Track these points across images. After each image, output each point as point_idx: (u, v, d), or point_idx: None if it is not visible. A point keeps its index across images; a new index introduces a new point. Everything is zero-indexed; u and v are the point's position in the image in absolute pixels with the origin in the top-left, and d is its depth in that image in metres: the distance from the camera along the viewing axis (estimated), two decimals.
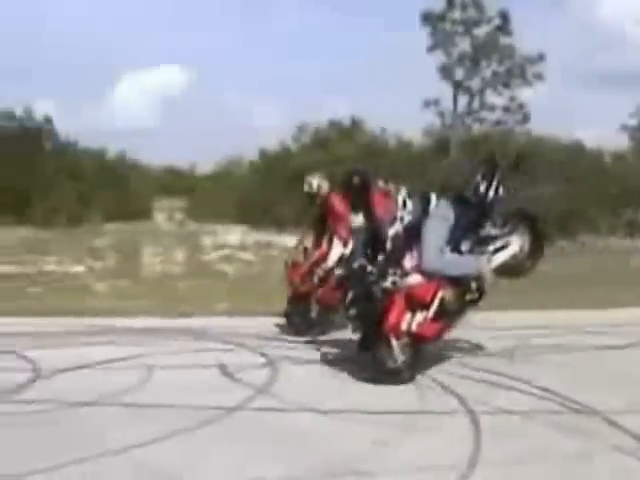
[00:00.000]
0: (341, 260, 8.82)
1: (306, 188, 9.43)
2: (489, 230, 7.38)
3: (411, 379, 6.88)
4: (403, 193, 7.30)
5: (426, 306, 6.91)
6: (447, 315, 7.07)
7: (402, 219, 7.18)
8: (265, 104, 63.19)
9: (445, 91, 32.28)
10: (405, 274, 6.98)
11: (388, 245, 7.17)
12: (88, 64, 58.78)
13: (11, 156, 30.36)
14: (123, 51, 60.76)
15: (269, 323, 9.71)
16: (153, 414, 5.92)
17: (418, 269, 6.98)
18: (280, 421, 5.82)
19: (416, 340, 6.97)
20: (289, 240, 21.97)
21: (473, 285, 7.15)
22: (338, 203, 9.02)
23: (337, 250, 9.03)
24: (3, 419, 5.77)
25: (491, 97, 32.40)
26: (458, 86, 32.19)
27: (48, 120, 34.43)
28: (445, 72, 32.15)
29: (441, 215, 7.10)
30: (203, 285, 14.62)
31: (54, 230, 25.38)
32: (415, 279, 6.97)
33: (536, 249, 7.57)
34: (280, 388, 6.71)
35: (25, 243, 20.80)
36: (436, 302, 6.93)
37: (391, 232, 7.18)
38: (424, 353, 7.20)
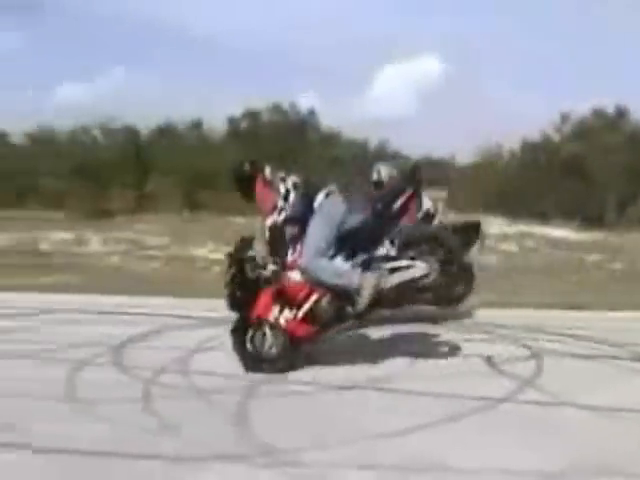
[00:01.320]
0: None
1: (374, 177, 8.85)
2: (388, 249, 6.94)
3: (287, 370, 6.61)
4: (288, 184, 6.74)
5: (296, 305, 6.64)
6: (320, 320, 6.68)
7: (282, 210, 6.68)
8: (525, 92, 61.34)
9: None
10: (288, 267, 6.67)
11: (266, 235, 6.80)
12: (348, 57, 60.31)
13: (277, 148, 31.71)
14: (381, 42, 61.59)
15: (529, 315, 9.40)
16: (416, 402, 5.87)
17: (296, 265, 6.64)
18: (545, 414, 5.59)
19: (287, 335, 6.69)
20: (553, 231, 21.39)
21: (357, 298, 6.54)
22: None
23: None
24: (268, 398, 6.02)
25: None
26: None
27: (312, 113, 35.72)
28: None
29: (327, 213, 6.57)
30: None
31: None
32: (294, 275, 6.65)
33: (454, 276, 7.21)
34: (546, 381, 6.46)
35: None
36: (308, 304, 6.63)
37: (268, 222, 6.75)
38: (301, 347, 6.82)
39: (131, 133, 28.95)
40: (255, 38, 65.53)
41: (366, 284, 6.48)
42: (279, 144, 31.48)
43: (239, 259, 7.01)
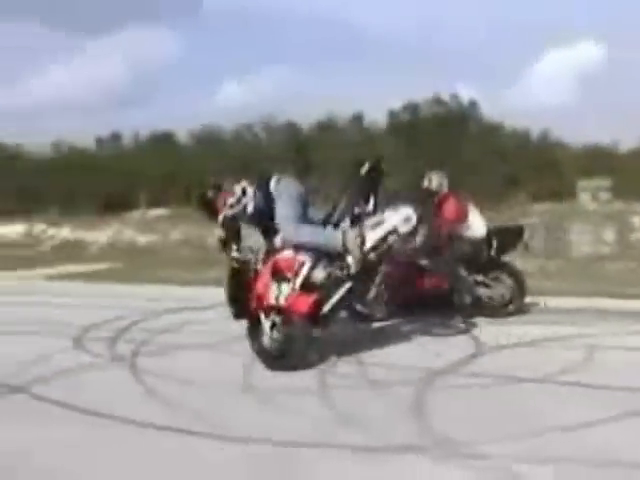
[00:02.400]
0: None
1: (425, 184, 9.05)
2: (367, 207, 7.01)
3: (295, 366, 6.58)
4: (243, 183, 7.14)
5: (292, 276, 6.77)
6: (318, 288, 6.78)
7: (232, 206, 7.10)
8: None
9: None
10: (277, 251, 6.94)
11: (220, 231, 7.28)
12: (506, 47, 59.02)
13: (437, 140, 31.41)
14: (539, 28, 59.82)
15: None
16: (598, 395, 5.69)
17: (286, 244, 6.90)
18: None
19: (289, 315, 6.69)
20: None
21: (349, 259, 6.74)
22: (454, 208, 8.84)
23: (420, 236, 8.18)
24: (446, 390, 5.95)
25: None
26: None
27: (473, 103, 35.20)
28: None
29: (284, 192, 6.96)
30: (633, 267, 13.86)
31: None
32: (285, 253, 6.88)
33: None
34: None
35: None
36: (303, 272, 6.76)
37: (219, 218, 7.16)
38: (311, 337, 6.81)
39: (293, 129, 29.55)
40: (410, 29, 65.24)
41: (349, 238, 6.75)
42: (440, 136, 31.16)
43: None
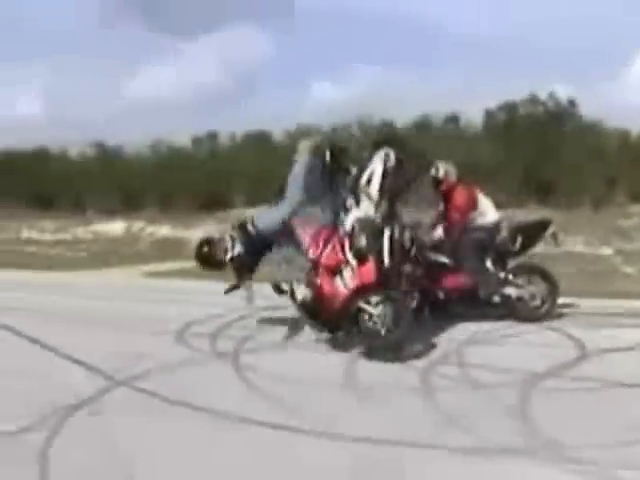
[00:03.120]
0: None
1: (433, 172, 8.99)
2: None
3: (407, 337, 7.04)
4: (230, 232, 8.21)
5: (340, 263, 7.28)
6: (366, 253, 7.20)
7: (227, 251, 8.05)
8: None
9: None
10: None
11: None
12: (604, 44, 57.51)
13: (534, 141, 30.80)
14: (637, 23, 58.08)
15: None
16: None
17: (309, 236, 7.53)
18: None
19: (362, 292, 7.08)
20: None
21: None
22: (463, 196, 8.77)
23: (438, 232, 8.82)
24: (550, 393, 5.84)
25: None
26: None
27: (572, 102, 34.38)
28: None
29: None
30: None
31: (577, 212, 25.22)
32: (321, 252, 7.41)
33: None
34: None
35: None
36: (345, 249, 7.31)
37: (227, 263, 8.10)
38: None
39: (388, 129, 29.46)
40: (506, 29, 64.23)
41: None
42: (537, 136, 30.54)
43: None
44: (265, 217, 8.15)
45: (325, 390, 6.02)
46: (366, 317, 7.08)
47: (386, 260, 7.27)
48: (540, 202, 27.53)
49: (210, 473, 4.42)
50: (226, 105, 55.46)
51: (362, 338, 7.08)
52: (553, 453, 4.57)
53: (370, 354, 6.95)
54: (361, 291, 7.16)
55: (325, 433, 4.96)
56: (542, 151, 29.98)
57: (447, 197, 8.95)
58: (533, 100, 34.41)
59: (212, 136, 34.16)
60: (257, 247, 8.06)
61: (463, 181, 9.02)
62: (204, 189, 25.67)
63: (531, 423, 5.09)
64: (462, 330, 8.15)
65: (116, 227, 21.87)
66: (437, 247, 8.74)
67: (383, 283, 7.17)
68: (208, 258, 8.31)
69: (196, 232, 19.57)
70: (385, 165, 7.74)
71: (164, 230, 20.71)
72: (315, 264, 7.46)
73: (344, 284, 7.29)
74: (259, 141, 31.54)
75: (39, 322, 8.64)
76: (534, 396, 5.69)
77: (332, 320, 7.35)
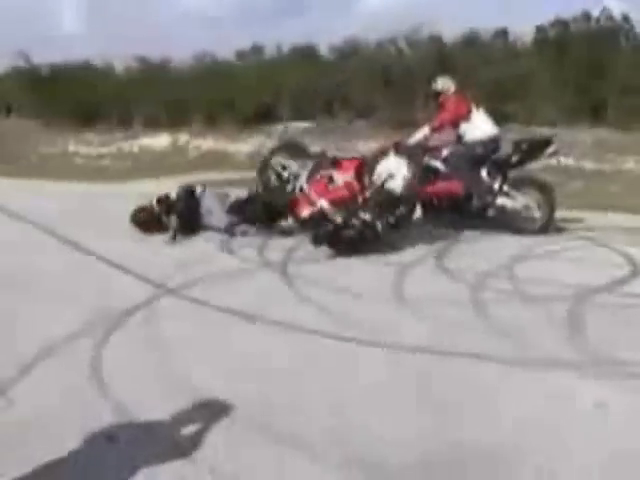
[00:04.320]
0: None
1: (433, 86, 9.26)
2: None
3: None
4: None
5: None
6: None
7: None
8: None
9: None
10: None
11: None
12: None
13: (585, 57, 29.94)
14: None
15: None
16: None
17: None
18: None
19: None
20: None
21: None
22: (454, 103, 8.89)
23: (422, 130, 8.84)
24: (603, 308, 5.78)
25: None
26: None
27: (626, 18, 33.25)
28: None
29: None
30: None
31: (632, 132, 24.65)
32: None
33: None
34: None
35: (601, 144, 20.54)
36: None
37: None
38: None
39: (436, 43, 28.83)
40: None
41: None
42: (589, 53, 29.65)
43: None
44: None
45: (377, 301, 6.02)
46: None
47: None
48: (593, 122, 26.89)
49: (262, 379, 4.46)
50: (272, 19, 54.64)
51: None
52: (604, 368, 4.54)
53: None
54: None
55: (377, 342, 4.97)
56: (595, 69, 29.09)
57: (441, 107, 9.09)
58: (585, 16, 33.37)
59: (257, 49, 33.74)
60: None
61: (460, 93, 9.16)
62: (249, 103, 25.43)
63: (583, 337, 5.05)
64: (505, 245, 8.07)
65: (162, 140, 21.83)
66: (432, 153, 8.94)
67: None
68: (144, 223, 9.00)
69: (241, 145, 19.53)
70: None
71: (209, 143, 20.65)
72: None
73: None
74: (305, 55, 31.07)
75: (92, 233, 8.70)
76: (586, 310, 5.64)
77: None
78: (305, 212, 8.08)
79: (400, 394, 4.21)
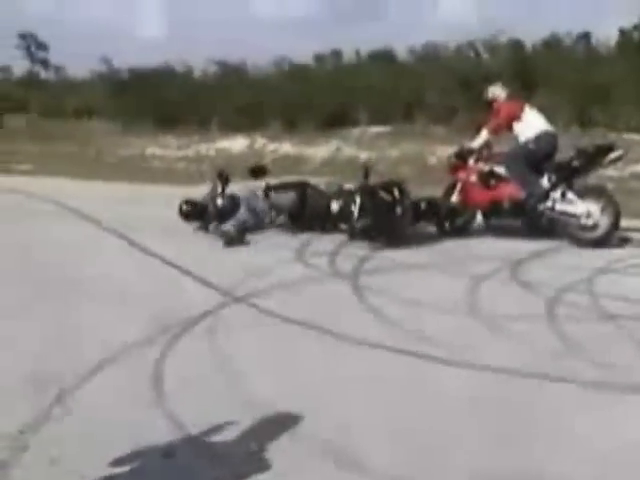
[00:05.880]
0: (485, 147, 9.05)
1: (485, 95, 9.26)
2: None
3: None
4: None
5: None
6: None
7: None
8: None
9: None
10: None
11: None
12: None
13: None
14: None
15: None
16: None
17: None
18: None
19: None
20: None
21: None
22: (506, 106, 8.87)
23: (482, 135, 8.95)
24: None
25: None
26: None
27: None
28: None
29: None
30: None
31: None
32: None
33: None
34: None
35: None
36: None
37: None
38: None
39: (516, 47, 28.27)
40: None
41: None
42: None
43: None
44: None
45: (449, 315, 5.82)
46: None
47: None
48: None
49: (326, 392, 4.33)
50: (352, 23, 54.62)
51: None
52: None
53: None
54: None
55: (448, 360, 4.77)
56: None
57: (497, 113, 9.00)
58: None
59: (336, 54, 33.69)
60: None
61: (514, 98, 9.17)
62: (327, 107, 25.35)
63: None
64: (590, 257, 7.74)
65: (238, 144, 21.92)
66: (495, 158, 8.98)
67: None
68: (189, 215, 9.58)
69: (318, 150, 19.46)
70: None
71: (286, 147, 20.63)
72: None
73: None
74: (384, 59, 30.89)
75: (161, 237, 8.72)
76: None
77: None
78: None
79: (474, 418, 4.00)
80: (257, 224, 9.33)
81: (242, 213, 9.21)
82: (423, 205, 8.91)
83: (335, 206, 8.91)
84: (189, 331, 5.40)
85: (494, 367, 4.65)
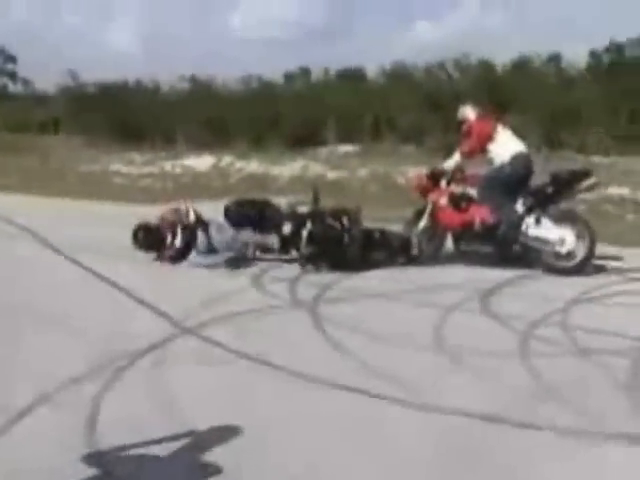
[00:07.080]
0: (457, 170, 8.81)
1: (458, 116, 9.01)
2: None
3: None
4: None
5: None
6: None
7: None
8: None
9: None
10: None
11: None
12: None
13: None
14: None
15: None
16: None
17: None
18: None
19: None
20: None
21: None
22: (477, 126, 8.58)
23: (454, 157, 8.75)
24: None
25: None
26: None
27: None
28: None
29: None
30: None
31: None
32: None
33: None
34: None
35: None
36: None
37: None
38: None
39: (486, 68, 28.24)
40: None
41: None
42: None
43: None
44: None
45: (413, 350, 5.43)
46: None
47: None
48: None
49: (280, 430, 3.98)
50: (320, 42, 54.63)
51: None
52: None
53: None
54: None
55: (412, 404, 4.38)
56: None
57: (468, 133, 8.75)
58: None
59: (305, 71, 33.57)
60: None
61: (484, 116, 8.87)
62: (295, 125, 25.15)
63: None
64: (564, 286, 7.42)
65: (205, 161, 21.54)
66: (469, 181, 8.77)
67: None
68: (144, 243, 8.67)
69: (286, 169, 19.12)
70: None
71: (253, 166, 20.27)
72: None
73: None
74: (353, 78, 30.79)
75: (114, 260, 8.31)
76: None
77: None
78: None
79: (436, 469, 3.62)
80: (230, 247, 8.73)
81: (215, 238, 8.67)
82: (377, 235, 8.67)
83: (287, 229, 8.74)
84: (134, 365, 4.98)
85: (459, 410, 4.26)
